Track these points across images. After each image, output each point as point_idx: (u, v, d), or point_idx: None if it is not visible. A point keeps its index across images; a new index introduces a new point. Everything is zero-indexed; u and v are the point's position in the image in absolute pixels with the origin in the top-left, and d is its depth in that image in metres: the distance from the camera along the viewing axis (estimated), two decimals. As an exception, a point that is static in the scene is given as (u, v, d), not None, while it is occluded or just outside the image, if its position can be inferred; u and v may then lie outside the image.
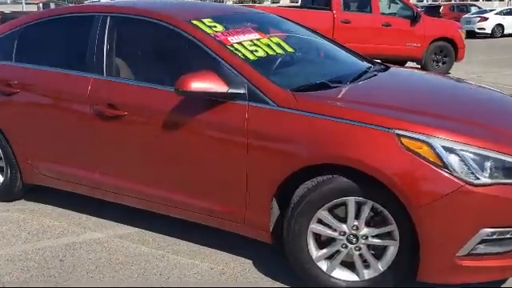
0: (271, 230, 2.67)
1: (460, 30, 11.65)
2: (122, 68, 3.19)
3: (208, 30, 2.93)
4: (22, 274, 2.83)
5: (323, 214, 2.46)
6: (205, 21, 3.03)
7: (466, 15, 24.73)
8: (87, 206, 3.66)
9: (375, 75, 3.12)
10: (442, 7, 26.44)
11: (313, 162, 2.42)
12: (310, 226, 2.48)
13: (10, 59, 3.61)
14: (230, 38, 2.92)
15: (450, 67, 11.36)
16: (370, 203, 2.39)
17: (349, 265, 2.53)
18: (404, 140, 2.28)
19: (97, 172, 3.24)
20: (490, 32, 23.23)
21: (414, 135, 2.27)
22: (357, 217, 2.44)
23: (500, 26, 23.50)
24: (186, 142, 2.80)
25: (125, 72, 3.19)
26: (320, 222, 2.49)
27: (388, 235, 2.43)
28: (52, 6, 31.19)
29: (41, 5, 31.57)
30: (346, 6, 11.04)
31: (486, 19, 23.42)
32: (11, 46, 3.63)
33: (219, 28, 3.00)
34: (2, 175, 3.80)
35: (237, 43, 2.89)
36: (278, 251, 2.79)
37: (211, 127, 2.70)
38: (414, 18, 10.98)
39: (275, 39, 3.14)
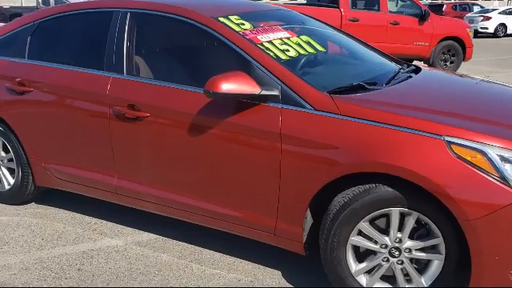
0: (304, 240, 2.53)
1: (468, 29, 11.52)
2: (143, 67, 3.03)
3: (236, 28, 2.77)
4: (39, 284, 2.67)
5: (364, 225, 2.31)
6: (232, 18, 2.87)
7: (469, 14, 24.61)
8: (101, 210, 3.51)
9: (410, 77, 2.96)
10: (444, 6, 26.30)
11: (354, 170, 2.27)
12: (350, 238, 2.33)
13: (22, 56, 3.44)
14: (259, 37, 2.76)
15: (457, 67, 11.23)
16: (416, 214, 2.24)
17: (389, 279, 2.39)
18: (455, 148, 2.13)
19: (115, 176, 3.08)
20: (492, 31, 23.11)
21: (467, 143, 2.12)
22: (399, 229, 2.29)
23: (503, 25, 23.38)
24: (214, 146, 2.64)
25: (146, 71, 3.03)
26: (360, 233, 2.34)
27: (433, 249, 2.28)
28: (52, 1, 30.91)
29: (40, 0, 31.25)
30: (354, 4, 10.90)
31: (489, 18, 23.29)
32: (24, 43, 3.46)
33: (247, 26, 2.84)
34: (13, 177, 3.64)
35: (267, 42, 2.73)
36: (309, 260, 2.65)
37: (241, 131, 2.54)
38: (422, 17, 10.83)
39: (305, 37, 2.98)
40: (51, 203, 3.70)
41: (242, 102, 2.54)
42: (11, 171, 3.65)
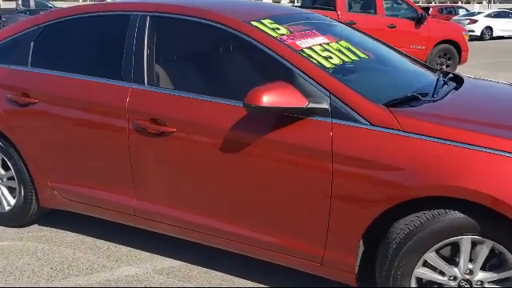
0: (357, 271, 2.26)
1: (464, 32, 11.45)
2: (166, 77, 2.73)
3: (272, 33, 2.49)
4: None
5: (431, 255, 2.05)
6: (265, 22, 2.59)
7: (456, 17, 24.70)
8: (112, 232, 3.19)
9: (458, 87, 2.72)
10: (430, 9, 26.39)
11: (422, 194, 2.01)
12: (416, 269, 2.07)
13: (24, 64, 3.10)
14: (298, 42, 2.49)
15: (453, 70, 11.14)
16: (490, 243, 1.99)
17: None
18: (539, 169, 1.89)
19: (134, 197, 2.78)
20: (479, 34, 23.22)
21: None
22: (470, 259, 2.05)
23: (489, 28, 23.52)
24: (251, 165, 2.35)
25: (169, 81, 2.73)
26: (426, 264, 2.08)
27: (507, 281, 2.04)
28: (32, 2, 30.20)
29: (20, 1, 30.48)
30: (351, 7, 10.72)
31: (475, 22, 23.40)
32: (26, 49, 3.12)
33: (283, 30, 2.56)
34: (14, 197, 3.30)
35: (307, 48, 2.46)
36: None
37: (284, 148, 2.26)
38: (418, 20, 10.71)
39: (344, 43, 2.72)
40: (56, 225, 3.37)
41: (283, 116, 2.26)
42: (11, 190, 3.32)
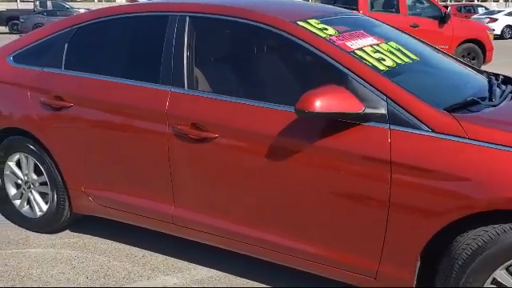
0: (415, 285, 2.13)
1: (488, 31, 11.20)
2: (207, 80, 2.62)
3: (321, 34, 2.37)
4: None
5: (501, 273, 1.91)
6: (311, 22, 2.47)
7: (475, 16, 24.31)
8: (146, 239, 3.09)
9: (514, 89, 2.57)
10: (449, 7, 26.00)
11: (489, 208, 1.87)
12: (484, 288, 1.94)
13: (57, 66, 3.02)
14: (348, 44, 2.36)
15: (478, 70, 10.90)
16: None
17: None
18: None
19: (172, 204, 2.67)
20: (499, 33, 22.82)
21: None
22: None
23: (509, 27, 23.12)
24: (299, 174, 2.23)
25: (211, 85, 2.62)
26: (495, 282, 1.94)
27: None
28: (49, 4, 30.44)
29: (38, 2, 30.71)
30: (373, 6, 10.55)
31: (495, 20, 23.00)
32: (60, 51, 3.03)
33: (331, 31, 2.44)
34: (46, 203, 3.22)
35: (358, 49, 2.33)
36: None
37: (336, 156, 2.13)
38: (442, 19, 10.49)
39: (393, 44, 2.58)
40: (88, 231, 3.28)
41: (336, 122, 2.14)
42: (43, 196, 3.24)
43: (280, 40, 2.42)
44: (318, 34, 2.35)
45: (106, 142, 2.80)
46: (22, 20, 25.68)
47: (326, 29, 2.44)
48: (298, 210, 2.30)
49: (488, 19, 23.18)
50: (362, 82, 2.14)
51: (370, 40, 2.51)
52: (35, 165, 3.17)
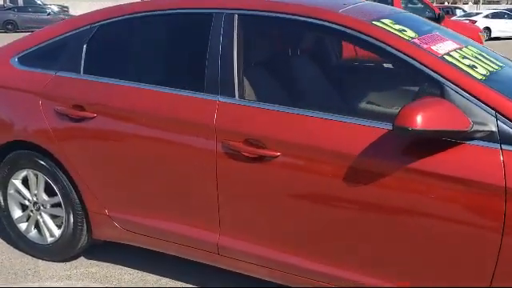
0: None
1: (480, 33, 11.14)
2: (263, 89, 2.26)
3: (403, 36, 2.04)
4: None
5: None
6: (386, 22, 2.14)
7: (454, 18, 24.49)
8: (176, 269, 2.70)
9: None
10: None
11: None
12: None
13: (75, 70, 2.60)
14: (434, 48, 2.04)
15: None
16: None
17: None
18: None
19: (218, 232, 2.30)
20: (477, 35, 23.05)
21: None
22: None
23: (487, 29, 23.35)
24: (385, 200, 1.89)
25: (267, 94, 2.26)
26: None
27: None
28: (20, 1, 29.31)
29: (7, -1, 29.58)
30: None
31: (474, 22, 23.20)
32: (77, 53, 2.61)
33: (410, 32, 2.11)
34: (59, 227, 2.80)
35: (446, 55, 2.01)
36: None
37: (434, 181, 1.80)
38: (436, 20, 10.34)
39: (473, 49, 2.28)
40: (106, 258, 2.87)
41: (431, 141, 1.81)
42: (55, 219, 2.82)
43: (355, 42, 2.08)
44: (400, 36, 2.02)
45: (137, 160, 2.40)
46: (-9, 16, 24.64)
47: (405, 30, 2.11)
48: (381, 243, 1.96)
49: (467, 21, 23.40)
50: (465, 93, 1.82)
51: (451, 44, 2.19)
52: (46, 183, 2.75)
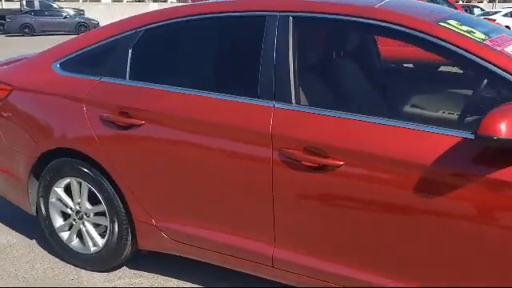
0: None
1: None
2: (321, 94, 2.17)
3: (474, 37, 1.94)
4: None
5: None
6: (452, 23, 2.04)
7: (472, 17, 24.19)
8: (221, 278, 2.63)
9: None
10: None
11: None
12: None
13: (120, 76, 2.53)
14: (507, 50, 1.93)
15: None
16: None
17: None
18: None
19: (272, 244, 2.21)
20: (497, 34, 22.73)
21: None
22: None
23: (507, 27, 23.01)
24: (464, 215, 1.79)
25: (326, 99, 2.17)
26: None
27: None
28: (36, 3, 29.54)
29: (24, 1, 29.77)
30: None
31: (493, 21, 22.90)
32: (122, 58, 2.54)
33: (479, 34, 2.01)
34: (102, 236, 2.73)
35: (520, 58, 1.91)
36: None
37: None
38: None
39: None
40: (149, 268, 2.79)
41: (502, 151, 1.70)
42: (98, 227, 2.75)
43: (421, 44, 1.98)
44: (471, 38, 1.92)
45: (187, 168, 2.32)
46: (8, 20, 24.84)
47: (473, 31, 2.01)
48: (451, 256, 1.86)
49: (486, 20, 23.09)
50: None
51: (519, 45, 2.09)
52: (90, 192, 2.69)
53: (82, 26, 25.49)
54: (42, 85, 2.76)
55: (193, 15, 2.43)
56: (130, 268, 2.82)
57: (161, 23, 2.50)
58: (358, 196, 1.97)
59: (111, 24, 2.75)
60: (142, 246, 2.63)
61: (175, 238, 2.48)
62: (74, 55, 2.74)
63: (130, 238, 2.63)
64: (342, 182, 1.98)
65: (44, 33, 24.43)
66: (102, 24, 26.79)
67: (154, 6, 34.96)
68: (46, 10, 27.35)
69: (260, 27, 2.23)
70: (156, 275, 2.74)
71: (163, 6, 37.19)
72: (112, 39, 2.63)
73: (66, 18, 25.88)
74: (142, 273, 2.77)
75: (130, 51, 2.54)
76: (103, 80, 2.58)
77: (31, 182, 2.85)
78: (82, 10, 30.17)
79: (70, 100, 2.63)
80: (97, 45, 2.68)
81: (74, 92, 2.63)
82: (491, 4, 55.25)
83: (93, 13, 31.40)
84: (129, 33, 2.58)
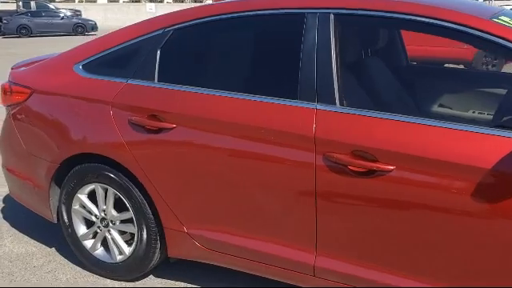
0: None
1: None
2: (367, 95, 2.08)
3: (530, 34, 1.85)
4: None
5: None
6: (505, 19, 1.95)
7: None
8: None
9: None
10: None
11: None
12: None
13: (149, 78, 2.43)
14: None
15: (500, 70, 10.57)
16: None
17: None
18: None
19: (314, 253, 2.12)
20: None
21: None
22: None
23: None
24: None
25: (373, 100, 2.08)
26: None
27: None
28: (33, 4, 29.32)
29: (21, 2, 29.52)
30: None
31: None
32: (150, 59, 2.44)
33: (532, 31, 1.92)
34: (129, 244, 2.63)
35: None
36: None
37: None
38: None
39: None
40: (175, 275, 2.70)
41: None
42: (122, 234, 2.65)
43: (473, 42, 1.89)
44: (530, 35, 1.83)
45: (222, 173, 2.23)
46: (5, 21, 24.58)
47: (526, 28, 1.92)
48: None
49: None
50: None
51: None
52: (116, 198, 2.59)
53: (79, 26, 25.31)
54: (64, 87, 2.66)
55: (226, 13, 2.33)
56: (154, 276, 2.72)
57: (191, 22, 2.39)
58: (410, 202, 1.88)
59: (135, 24, 2.65)
60: (172, 254, 2.53)
61: (209, 246, 2.38)
62: (97, 57, 2.64)
63: (158, 245, 2.53)
64: (392, 188, 1.89)
65: (41, 34, 24.23)
66: (99, 25, 26.75)
67: (151, 7, 34.81)
68: (42, 10, 27.13)
69: (299, 25, 2.13)
70: (186, 284, 2.64)
71: (160, 6, 37.07)
72: (138, 40, 2.53)
73: (63, 18, 25.66)
74: (168, 281, 2.67)
75: (159, 52, 2.43)
76: (130, 82, 2.47)
77: (53, 189, 2.75)
78: (79, 11, 29.95)
79: (94, 103, 2.53)
80: (121, 46, 2.57)
81: (99, 95, 2.52)
82: (487, 2, 55.54)
83: (89, 13, 31.22)
84: (156, 33, 2.47)
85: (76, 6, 35.67)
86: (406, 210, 1.90)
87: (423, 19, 1.95)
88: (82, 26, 25.32)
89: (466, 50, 10.34)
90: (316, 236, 2.10)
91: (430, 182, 1.83)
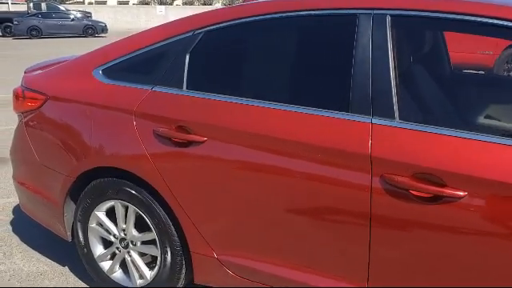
0: None
1: None
2: (432, 107, 1.82)
3: None
4: None
5: None
6: None
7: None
8: None
9: None
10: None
11: None
12: None
13: (176, 85, 2.19)
14: None
15: (522, 77, 10.26)
16: None
17: None
18: None
19: (366, 283, 1.86)
20: None
21: None
22: None
23: None
24: None
25: (440, 115, 1.82)
26: None
27: None
28: (43, 6, 29.29)
29: (31, 4, 29.49)
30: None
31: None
32: (178, 65, 2.20)
33: None
34: (151, 268, 2.39)
35: None
36: None
37: None
38: (487, 23, 9.84)
39: None
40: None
41: None
42: (143, 256, 2.41)
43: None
44: None
45: (260, 194, 1.97)
46: (15, 23, 24.56)
47: None
48: None
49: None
50: None
51: None
52: (137, 216, 2.34)
53: (90, 28, 25.24)
54: (82, 94, 2.42)
55: (264, 14, 2.08)
56: None
57: (225, 24, 2.15)
58: (484, 233, 1.62)
59: (161, 25, 2.40)
60: (198, 280, 2.28)
61: (241, 275, 2.13)
62: (118, 61, 2.40)
63: (183, 271, 2.28)
64: (463, 217, 1.62)
65: (52, 35, 24.17)
66: (108, 26, 26.65)
67: (161, 9, 34.73)
68: (53, 12, 27.07)
69: (350, 28, 1.87)
70: None
71: (170, 8, 36.98)
72: (164, 43, 2.29)
73: (73, 20, 25.59)
74: None
75: (188, 56, 2.19)
76: (156, 89, 2.23)
77: (67, 204, 2.52)
78: (90, 13, 29.93)
79: (116, 112, 2.29)
80: (146, 49, 2.33)
81: (120, 103, 2.28)
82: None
83: (99, 15, 31.18)
84: (185, 35, 2.23)
85: (86, 7, 35.69)
86: (482, 243, 1.63)
87: (495, 21, 1.69)
88: (92, 28, 25.25)
89: (488, 56, 10.13)
90: (368, 267, 1.84)
91: (502, 207, 1.57)
